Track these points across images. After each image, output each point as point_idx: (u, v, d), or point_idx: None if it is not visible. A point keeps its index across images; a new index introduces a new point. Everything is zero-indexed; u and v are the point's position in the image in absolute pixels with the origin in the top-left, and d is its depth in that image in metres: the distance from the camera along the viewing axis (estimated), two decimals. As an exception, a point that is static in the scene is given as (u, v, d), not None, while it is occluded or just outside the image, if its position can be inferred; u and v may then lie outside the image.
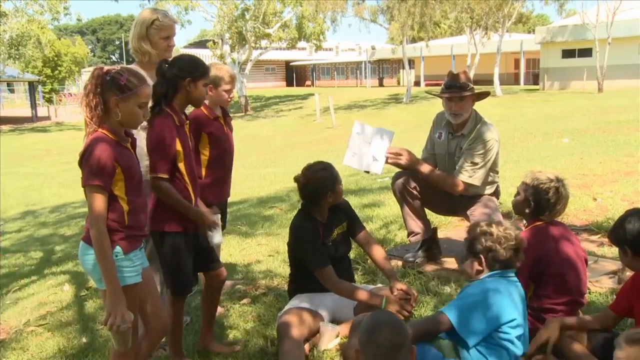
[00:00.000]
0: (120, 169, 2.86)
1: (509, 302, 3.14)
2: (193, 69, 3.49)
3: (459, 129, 4.95)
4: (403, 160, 4.87)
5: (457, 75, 4.91)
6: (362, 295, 3.84)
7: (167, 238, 3.51)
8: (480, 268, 3.28)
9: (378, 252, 4.18)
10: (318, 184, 3.90)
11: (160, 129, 3.40)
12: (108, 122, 2.89)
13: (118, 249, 2.88)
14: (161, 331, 3.31)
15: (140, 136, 3.60)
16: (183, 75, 3.45)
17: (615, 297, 3.60)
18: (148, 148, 3.44)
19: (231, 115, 4.55)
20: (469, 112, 4.90)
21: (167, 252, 3.53)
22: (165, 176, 3.41)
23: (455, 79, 4.87)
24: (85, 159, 2.82)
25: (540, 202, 3.66)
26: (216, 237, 3.81)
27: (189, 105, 3.67)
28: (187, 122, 3.60)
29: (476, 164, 4.81)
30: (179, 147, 3.44)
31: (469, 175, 4.83)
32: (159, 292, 3.49)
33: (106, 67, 2.93)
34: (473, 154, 4.81)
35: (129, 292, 2.93)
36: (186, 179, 3.51)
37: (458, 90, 4.82)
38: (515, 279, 3.28)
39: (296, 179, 3.97)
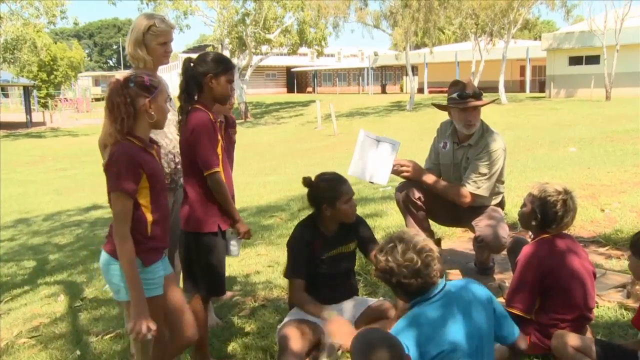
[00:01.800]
0: (146, 176, 2.91)
1: (418, 335, 2.79)
2: (215, 65, 3.55)
3: (465, 139, 4.85)
4: (409, 171, 4.80)
5: (466, 84, 4.78)
6: (313, 310, 3.76)
7: (204, 238, 3.55)
8: (404, 300, 3.02)
9: None
10: (314, 192, 3.87)
11: (199, 122, 3.45)
12: (136, 129, 2.95)
13: (138, 261, 2.90)
14: (191, 338, 3.30)
15: None
16: (205, 71, 3.52)
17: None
18: (191, 144, 3.47)
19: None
20: (479, 121, 4.84)
21: (205, 253, 3.56)
22: (219, 169, 3.48)
23: (468, 88, 4.73)
24: (112, 165, 2.88)
25: (548, 215, 3.56)
26: (235, 250, 3.85)
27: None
28: (219, 120, 3.65)
29: (484, 174, 4.72)
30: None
31: (476, 187, 4.74)
32: (185, 300, 3.40)
33: (121, 76, 2.99)
34: (480, 164, 4.73)
35: (151, 304, 2.93)
36: (222, 175, 3.54)
37: (474, 100, 4.69)
38: (437, 298, 2.85)
39: (303, 180, 3.91)
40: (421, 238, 2.85)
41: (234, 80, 3.72)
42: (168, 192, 3.84)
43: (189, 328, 3.24)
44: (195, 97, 3.58)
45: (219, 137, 3.55)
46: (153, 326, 2.87)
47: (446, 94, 4.90)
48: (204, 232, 3.53)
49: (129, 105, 2.89)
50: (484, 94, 4.88)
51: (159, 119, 3.02)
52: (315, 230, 3.91)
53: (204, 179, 3.48)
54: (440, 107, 5.04)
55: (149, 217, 2.97)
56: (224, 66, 3.57)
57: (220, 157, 3.53)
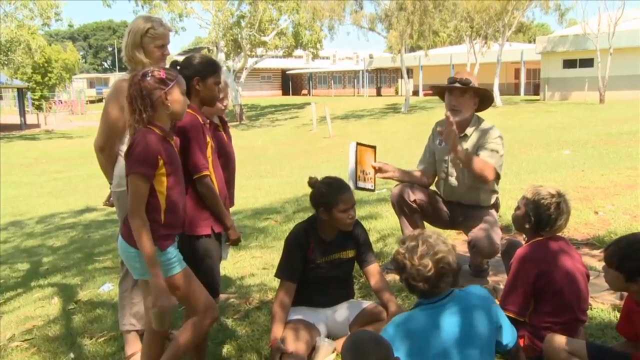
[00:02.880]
0: (163, 163, 3.03)
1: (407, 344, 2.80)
2: (201, 67, 3.56)
3: (460, 131, 4.76)
4: (387, 172, 4.87)
5: (459, 73, 4.86)
6: (273, 332, 3.74)
7: (199, 241, 3.54)
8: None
9: (380, 288, 3.98)
10: (314, 194, 3.88)
11: (188, 125, 3.43)
12: (156, 119, 3.08)
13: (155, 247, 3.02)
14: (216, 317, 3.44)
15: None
16: (192, 75, 3.50)
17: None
18: (180, 147, 3.38)
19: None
20: (469, 112, 4.81)
21: (200, 256, 3.55)
22: (209, 173, 3.48)
23: (458, 75, 4.81)
24: (132, 150, 3.00)
25: (541, 217, 3.57)
26: (225, 254, 3.88)
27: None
28: (208, 122, 3.67)
29: (497, 151, 4.67)
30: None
31: (494, 161, 4.63)
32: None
33: (140, 72, 3.11)
34: (490, 142, 4.70)
35: (179, 280, 3.15)
36: (212, 177, 3.54)
37: (459, 85, 4.72)
38: (440, 303, 2.85)
39: (309, 179, 3.95)
40: (446, 248, 2.81)
41: (221, 82, 3.73)
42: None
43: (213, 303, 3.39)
44: None
45: (208, 140, 3.54)
46: (174, 300, 3.09)
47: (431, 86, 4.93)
48: (198, 235, 3.52)
49: (145, 97, 3.02)
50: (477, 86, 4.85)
51: (176, 110, 3.13)
52: (312, 233, 3.90)
53: (194, 182, 3.48)
54: (436, 90, 5.12)
55: (164, 204, 3.09)
56: (210, 68, 3.59)
57: (210, 159, 3.53)
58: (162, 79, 3.08)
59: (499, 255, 4.65)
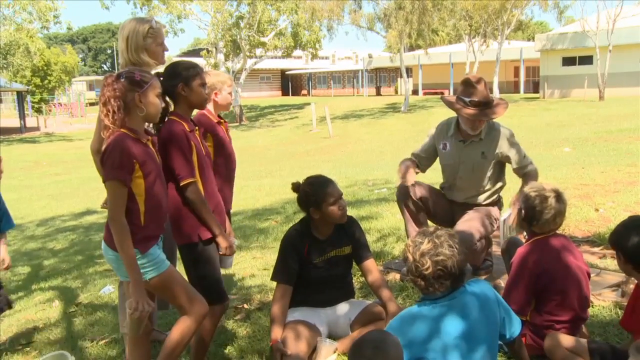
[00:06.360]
0: (139, 166, 3.01)
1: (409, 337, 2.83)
2: (183, 72, 3.52)
3: (475, 134, 4.77)
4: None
5: (480, 89, 4.62)
6: (273, 333, 3.73)
7: (190, 249, 3.52)
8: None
9: (378, 285, 3.96)
10: (301, 197, 3.90)
11: (171, 133, 3.41)
12: (129, 121, 3.07)
13: (135, 251, 3.02)
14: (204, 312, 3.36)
15: None
16: (175, 82, 3.47)
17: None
18: (163, 156, 3.37)
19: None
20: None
21: (193, 263, 3.54)
22: (194, 180, 3.43)
23: (480, 94, 4.59)
24: (107, 156, 2.99)
25: (528, 211, 3.60)
26: (227, 261, 3.88)
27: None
28: (197, 128, 3.63)
29: (524, 155, 4.78)
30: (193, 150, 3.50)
31: (531, 162, 4.79)
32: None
33: (114, 73, 3.12)
34: (514, 146, 4.75)
35: (166, 278, 3.16)
36: (199, 183, 3.49)
37: (484, 109, 4.59)
38: (442, 301, 2.86)
39: (292, 185, 3.95)
40: (449, 252, 2.79)
41: (206, 83, 3.69)
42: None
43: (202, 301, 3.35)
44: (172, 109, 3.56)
45: (193, 145, 3.47)
46: (152, 304, 3.07)
47: (439, 96, 4.88)
48: (188, 243, 3.51)
49: (118, 98, 3.01)
50: (494, 98, 4.71)
51: (150, 112, 3.13)
52: (306, 234, 3.92)
53: (180, 189, 3.44)
54: (448, 104, 4.81)
55: (142, 207, 3.08)
56: (193, 71, 3.56)
57: (196, 164, 3.48)
58: (137, 81, 3.08)
59: (500, 253, 4.61)
